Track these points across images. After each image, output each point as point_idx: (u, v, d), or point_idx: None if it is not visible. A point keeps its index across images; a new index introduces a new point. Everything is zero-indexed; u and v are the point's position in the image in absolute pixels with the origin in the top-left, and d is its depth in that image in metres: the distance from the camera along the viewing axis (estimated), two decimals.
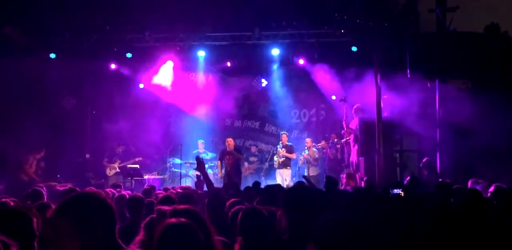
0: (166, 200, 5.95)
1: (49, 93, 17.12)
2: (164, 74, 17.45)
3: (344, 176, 12.21)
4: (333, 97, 16.04)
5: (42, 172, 15.21)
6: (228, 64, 17.40)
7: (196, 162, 6.94)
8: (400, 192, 5.69)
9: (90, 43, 16.46)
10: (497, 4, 14.83)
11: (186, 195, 6.67)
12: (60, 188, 10.95)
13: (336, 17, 15.71)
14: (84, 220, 2.87)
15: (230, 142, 15.51)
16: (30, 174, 14.46)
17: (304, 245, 3.17)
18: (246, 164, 17.18)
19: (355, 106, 14.71)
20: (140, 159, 16.18)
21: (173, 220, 3.15)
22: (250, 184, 10.94)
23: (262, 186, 10.94)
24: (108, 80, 17.70)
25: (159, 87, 17.73)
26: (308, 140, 16.24)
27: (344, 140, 15.06)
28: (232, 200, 6.35)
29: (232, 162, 15.36)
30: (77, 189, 7.99)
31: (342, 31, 15.83)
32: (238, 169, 15.37)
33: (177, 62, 17.39)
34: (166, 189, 9.69)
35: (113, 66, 17.27)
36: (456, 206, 5.86)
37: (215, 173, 16.20)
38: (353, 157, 14.56)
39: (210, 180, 6.91)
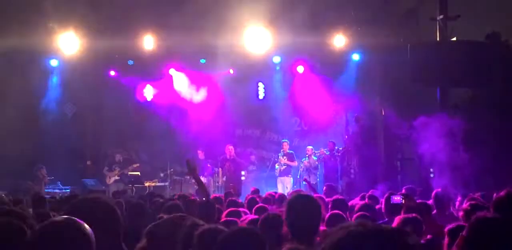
0: (173, 208, 5.81)
1: (50, 100, 17.14)
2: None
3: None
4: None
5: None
6: (231, 71, 17.44)
7: (187, 167, 6.72)
8: (401, 199, 5.66)
9: (91, 50, 16.49)
10: (498, 13, 14.85)
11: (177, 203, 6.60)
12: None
13: (337, 26, 15.75)
14: (89, 225, 2.84)
15: (231, 149, 15.58)
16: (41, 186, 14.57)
17: None
18: (245, 172, 17.13)
19: (355, 115, 14.72)
20: (138, 165, 16.17)
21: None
22: (249, 192, 10.93)
23: (262, 193, 10.96)
24: (109, 87, 17.72)
25: (160, 94, 17.78)
26: (309, 147, 16.21)
27: (345, 148, 15.06)
28: (230, 209, 6.30)
29: (232, 169, 15.36)
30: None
31: (344, 39, 15.85)
32: (238, 177, 15.35)
33: (178, 70, 17.48)
34: (161, 196, 9.63)
35: (112, 73, 17.31)
36: None
37: (216, 181, 16.21)
38: (355, 165, 14.56)
39: (203, 185, 6.81)
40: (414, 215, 4.75)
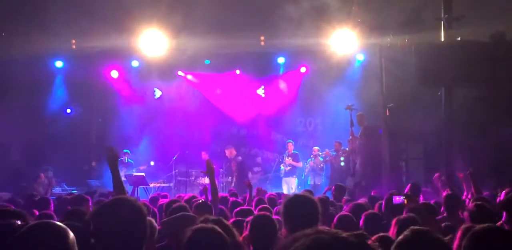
0: (179, 209, 5.76)
1: (56, 101, 17.21)
2: None
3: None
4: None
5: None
6: (238, 72, 17.47)
7: (206, 167, 6.67)
8: (403, 199, 5.62)
9: (96, 51, 16.52)
10: (503, 13, 14.79)
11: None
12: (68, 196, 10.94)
13: (342, 26, 15.73)
14: (117, 226, 2.84)
15: (229, 151, 15.78)
16: (45, 187, 14.59)
17: None
18: (249, 173, 17.16)
19: (358, 115, 14.67)
20: (145, 167, 16.20)
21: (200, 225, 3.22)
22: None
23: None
24: (114, 88, 17.76)
25: (165, 95, 17.85)
26: (315, 148, 16.23)
27: (350, 148, 15.02)
28: (240, 208, 6.28)
29: (236, 168, 15.48)
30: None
31: (348, 39, 15.82)
32: (242, 175, 15.40)
33: (185, 71, 17.58)
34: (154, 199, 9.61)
35: (116, 74, 17.35)
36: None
37: (220, 182, 16.25)
38: (359, 166, 14.51)
39: (216, 187, 6.77)
40: (411, 215, 4.68)
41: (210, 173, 6.60)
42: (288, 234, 3.77)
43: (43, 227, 2.63)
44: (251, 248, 4.37)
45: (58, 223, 2.64)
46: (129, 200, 3.01)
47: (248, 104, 17.85)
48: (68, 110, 17.74)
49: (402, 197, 5.67)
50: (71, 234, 2.62)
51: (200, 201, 6.42)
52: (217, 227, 3.36)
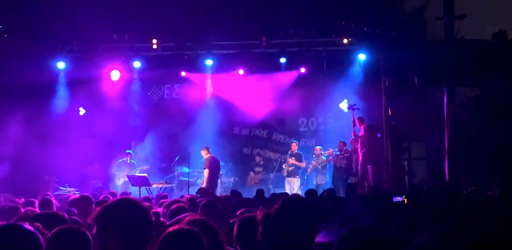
0: (181, 210, 5.70)
1: (58, 102, 17.23)
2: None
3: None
4: (344, 105, 15.52)
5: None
6: (241, 72, 17.43)
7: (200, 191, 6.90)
8: (403, 199, 5.61)
9: (98, 52, 16.55)
10: (504, 12, 14.78)
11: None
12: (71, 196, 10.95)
13: (343, 26, 15.73)
14: (122, 226, 2.81)
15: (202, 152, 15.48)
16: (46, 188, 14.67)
17: None
18: (251, 173, 17.15)
19: (357, 117, 14.67)
20: (148, 166, 16.19)
21: (176, 227, 3.11)
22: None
23: (268, 194, 10.93)
24: (116, 89, 17.76)
25: (167, 96, 17.86)
26: (317, 147, 16.22)
27: (352, 148, 15.02)
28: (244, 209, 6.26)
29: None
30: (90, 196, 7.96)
31: (350, 39, 15.82)
32: (211, 176, 15.33)
33: (188, 71, 17.59)
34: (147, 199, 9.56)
35: (118, 74, 17.35)
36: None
37: (223, 182, 16.26)
38: (361, 165, 14.50)
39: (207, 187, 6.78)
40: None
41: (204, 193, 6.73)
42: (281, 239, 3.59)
43: (11, 230, 2.60)
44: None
45: (28, 226, 2.61)
46: (134, 200, 2.98)
47: (251, 104, 17.82)
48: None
49: (402, 197, 5.66)
50: (41, 239, 2.58)
51: (206, 200, 6.39)
52: (196, 230, 3.02)
